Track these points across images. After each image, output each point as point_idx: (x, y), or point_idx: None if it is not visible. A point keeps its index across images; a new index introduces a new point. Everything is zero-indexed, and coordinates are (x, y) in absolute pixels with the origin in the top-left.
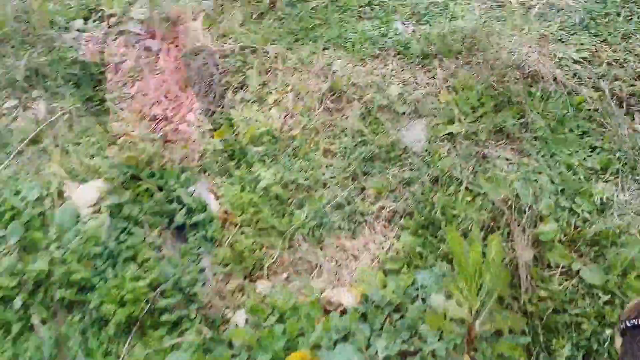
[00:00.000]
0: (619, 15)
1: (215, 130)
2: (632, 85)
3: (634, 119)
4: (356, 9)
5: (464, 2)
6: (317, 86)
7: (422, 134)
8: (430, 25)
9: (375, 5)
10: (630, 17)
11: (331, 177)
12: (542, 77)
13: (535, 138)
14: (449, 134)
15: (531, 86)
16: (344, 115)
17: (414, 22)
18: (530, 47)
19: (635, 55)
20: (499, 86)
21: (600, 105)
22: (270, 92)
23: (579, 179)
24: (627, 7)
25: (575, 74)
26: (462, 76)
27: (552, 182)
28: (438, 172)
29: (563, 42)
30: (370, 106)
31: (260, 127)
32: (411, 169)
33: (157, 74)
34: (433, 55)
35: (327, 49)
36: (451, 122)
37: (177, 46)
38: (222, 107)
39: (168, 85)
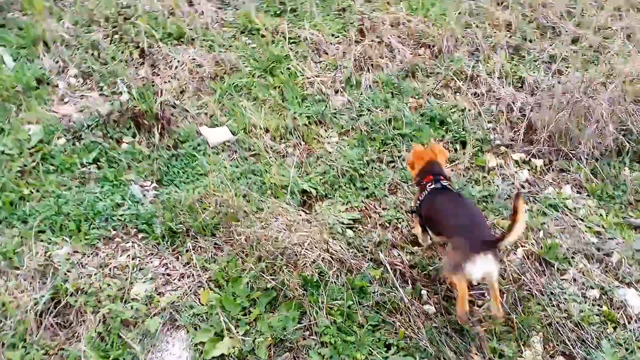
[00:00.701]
0: (381, 161)
1: None
2: (411, 253)
3: (421, 297)
4: (78, 169)
5: (213, 152)
6: (32, 295)
7: (184, 357)
8: (175, 186)
9: (103, 162)
10: (393, 163)
11: None
12: (315, 260)
13: (323, 344)
14: (219, 356)
15: (305, 267)
16: (73, 336)
17: (154, 182)
18: (296, 223)
19: (375, 212)
20: (270, 275)
21: (385, 288)
22: None
23: None
24: (387, 150)
25: (349, 244)
26: (224, 262)
27: None
28: None
29: (330, 199)
30: (111, 321)
31: None
32: None
33: None
34: (184, 233)
35: (43, 232)
36: (219, 336)
37: None
38: None
39: None
